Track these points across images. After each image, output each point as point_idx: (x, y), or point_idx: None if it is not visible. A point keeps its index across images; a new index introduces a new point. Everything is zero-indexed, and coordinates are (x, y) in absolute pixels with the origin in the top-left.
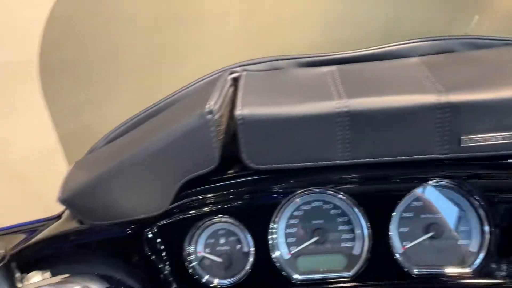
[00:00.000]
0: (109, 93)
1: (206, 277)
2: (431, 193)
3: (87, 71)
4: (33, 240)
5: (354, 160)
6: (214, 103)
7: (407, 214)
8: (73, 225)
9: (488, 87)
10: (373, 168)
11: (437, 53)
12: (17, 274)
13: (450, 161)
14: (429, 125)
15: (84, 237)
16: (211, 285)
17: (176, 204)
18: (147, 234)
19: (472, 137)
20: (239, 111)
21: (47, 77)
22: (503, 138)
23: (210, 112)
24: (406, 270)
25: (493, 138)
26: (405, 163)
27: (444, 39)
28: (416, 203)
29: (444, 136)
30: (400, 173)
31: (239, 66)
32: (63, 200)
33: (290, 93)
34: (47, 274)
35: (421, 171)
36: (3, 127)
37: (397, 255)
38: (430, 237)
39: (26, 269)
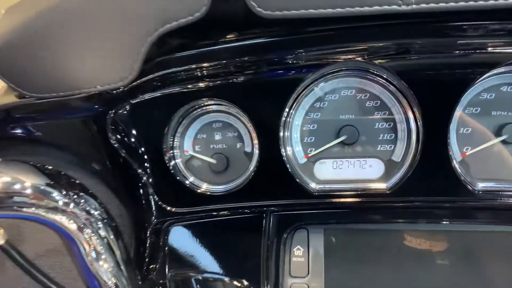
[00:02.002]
0: None
1: (191, 179)
2: (510, 80)
3: None
4: None
5: (420, 5)
6: None
7: (472, 110)
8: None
9: None
10: (435, 35)
11: None
12: None
13: None
14: None
15: (23, 116)
16: (198, 191)
17: (152, 76)
18: (113, 116)
19: None
20: None
21: None
22: None
23: None
24: (466, 183)
25: None
26: (481, 30)
27: None
28: (486, 95)
29: None
30: (473, 46)
31: None
32: None
33: None
34: None
35: (500, 42)
36: None
37: (455, 163)
38: (503, 142)
39: None
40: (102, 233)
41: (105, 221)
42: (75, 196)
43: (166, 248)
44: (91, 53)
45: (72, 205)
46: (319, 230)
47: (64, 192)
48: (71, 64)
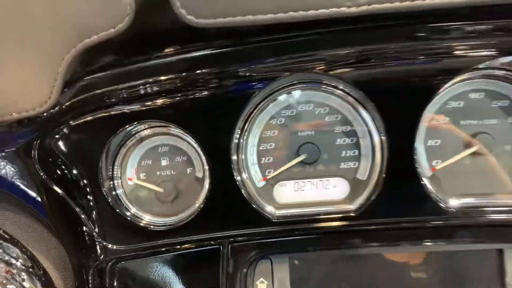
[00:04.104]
0: None
1: (133, 210)
2: (478, 86)
3: None
4: None
5: (372, 6)
6: None
7: (440, 120)
8: None
9: None
10: (397, 39)
11: None
12: None
13: None
14: None
15: None
16: (141, 224)
17: (80, 98)
18: (40, 145)
19: None
20: None
21: None
22: None
23: None
24: (437, 201)
25: None
26: (444, 33)
27: None
28: (454, 103)
29: None
30: (436, 51)
31: None
32: None
33: None
34: None
35: (465, 46)
36: None
37: (424, 179)
38: (474, 154)
39: None
40: (27, 285)
41: (30, 270)
42: None
43: None
44: (2, 76)
45: None
46: (283, 260)
47: None
48: None
